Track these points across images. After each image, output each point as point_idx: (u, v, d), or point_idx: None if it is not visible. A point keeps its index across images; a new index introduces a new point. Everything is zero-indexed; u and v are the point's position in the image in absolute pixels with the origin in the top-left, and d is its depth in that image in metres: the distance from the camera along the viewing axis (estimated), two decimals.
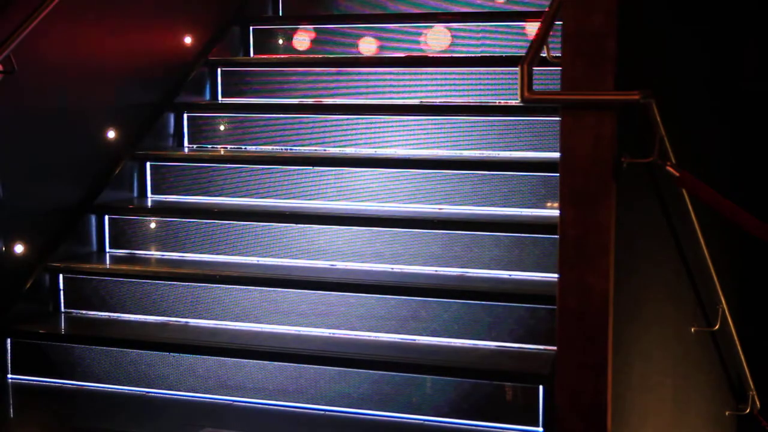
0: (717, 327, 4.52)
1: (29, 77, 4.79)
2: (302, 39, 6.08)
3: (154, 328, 4.77)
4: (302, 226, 4.92)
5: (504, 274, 4.64)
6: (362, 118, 5.42)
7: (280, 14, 6.49)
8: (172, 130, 5.70)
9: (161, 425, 4.32)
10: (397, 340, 4.50)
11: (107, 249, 5.25)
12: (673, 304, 4.36)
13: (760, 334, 5.15)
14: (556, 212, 3.56)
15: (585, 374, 3.57)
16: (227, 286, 4.74)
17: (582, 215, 3.52)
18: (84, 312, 4.99)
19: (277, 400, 4.38)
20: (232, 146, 5.65)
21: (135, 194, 5.46)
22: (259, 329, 4.67)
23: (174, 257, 5.12)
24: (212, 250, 5.05)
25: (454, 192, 4.97)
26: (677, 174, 3.67)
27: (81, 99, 5.21)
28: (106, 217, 5.25)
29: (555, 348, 3.70)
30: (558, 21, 3.63)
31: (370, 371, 4.29)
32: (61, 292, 5.01)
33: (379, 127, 5.40)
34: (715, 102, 5.04)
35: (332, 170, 5.16)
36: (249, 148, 5.61)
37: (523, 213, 4.84)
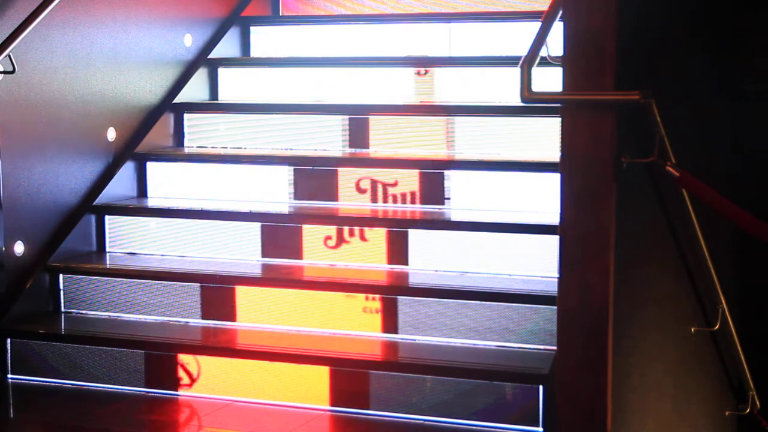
0: (717, 327, 4.52)
1: (29, 76, 4.80)
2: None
3: (155, 328, 4.77)
4: (303, 226, 4.91)
5: (504, 273, 4.63)
6: (374, 118, 5.42)
7: (280, 14, 6.48)
8: (171, 130, 5.70)
9: (162, 425, 4.32)
10: (397, 339, 4.50)
11: (107, 249, 5.25)
12: (673, 304, 4.36)
13: (760, 334, 5.14)
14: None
15: (585, 374, 3.57)
16: (228, 285, 4.74)
17: (582, 215, 3.52)
18: (84, 312, 4.99)
19: (277, 400, 4.38)
20: (232, 146, 5.65)
21: (135, 195, 5.46)
22: (260, 328, 4.67)
23: (174, 257, 5.12)
24: (212, 249, 5.05)
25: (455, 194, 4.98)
26: (677, 174, 3.67)
27: (82, 101, 5.22)
28: (106, 217, 5.25)
29: (555, 348, 3.70)
30: (558, 21, 3.63)
31: (370, 371, 4.29)
32: (61, 292, 5.01)
33: (380, 127, 5.39)
34: (715, 101, 5.04)
35: (333, 170, 5.15)
36: (249, 147, 5.61)
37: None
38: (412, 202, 5.03)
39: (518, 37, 5.44)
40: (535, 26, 3.65)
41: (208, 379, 4.48)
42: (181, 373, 4.52)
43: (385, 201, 5.07)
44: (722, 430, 5.02)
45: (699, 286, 4.44)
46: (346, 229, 4.86)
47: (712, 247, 4.32)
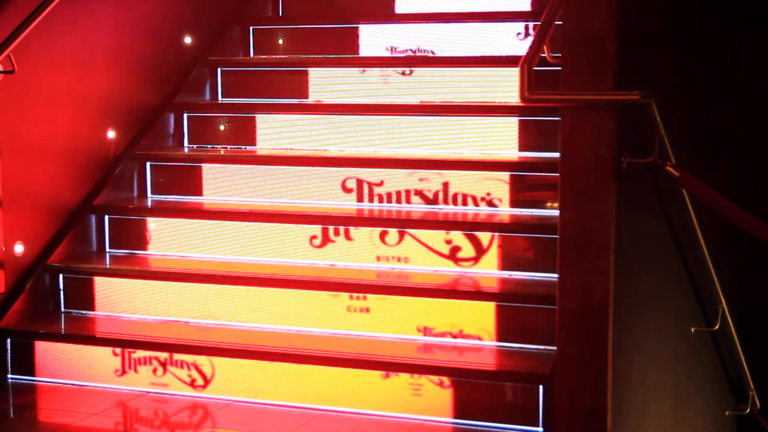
0: (717, 327, 4.52)
1: (29, 76, 4.81)
2: None
3: (155, 328, 4.77)
4: (304, 226, 4.92)
5: (504, 273, 4.64)
6: (362, 118, 5.42)
7: (280, 14, 6.49)
8: (171, 130, 5.70)
9: (162, 425, 4.32)
10: (398, 338, 4.50)
11: (107, 249, 5.25)
12: (673, 304, 4.36)
13: (760, 334, 5.14)
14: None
15: (585, 374, 3.57)
16: (227, 285, 4.75)
17: (582, 215, 3.53)
18: (84, 312, 4.99)
19: (276, 400, 4.38)
20: (232, 146, 5.65)
21: (135, 194, 5.46)
22: (260, 328, 4.67)
23: (174, 257, 5.12)
24: (212, 249, 5.05)
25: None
26: (677, 174, 3.67)
27: (82, 101, 5.22)
28: (106, 217, 5.25)
29: (555, 348, 3.70)
30: (558, 21, 3.63)
31: (371, 370, 4.29)
32: (61, 292, 5.01)
33: (380, 127, 5.40)
34: (715, 101, 5.04)
35: (333, 170, 5.16)
36: (248, 148, 5.61)
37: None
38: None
39: None
40: None
41: (215, 381, 4.49)
42: (181, 372, 4.53)
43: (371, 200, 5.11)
44: (722, 430, 5.02)
45: (699, 286, 4.44)
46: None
47: (712, 247, 4.32)
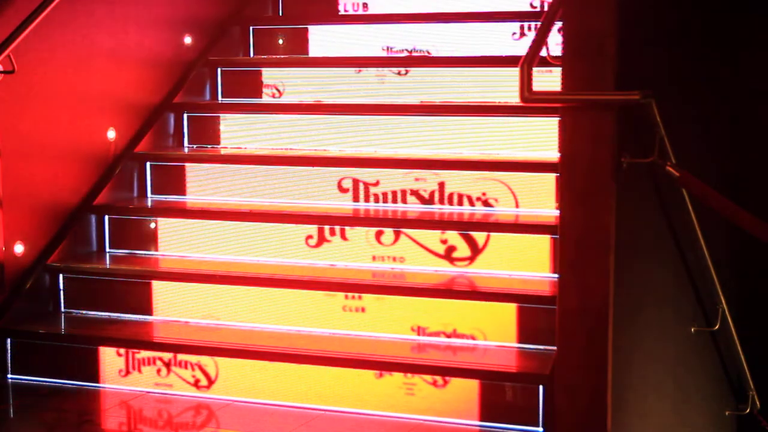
0: (717, 327, 4.52)
1: (29, 76, 4.81)
2: None
3: (156, 328, 4.77)
4: (301, 226, 4.92)
5: (504, 273, 4.63)
6: (360, 118, 5.42)
7: (280, 14, 6.49)
8: (171, 129, 5.70)
9: (166, 425, 4.32)
10: (394, 338, 4.50)
11: (107, 249, 5.25)
12: (673, 304, 4.36)
13: (760, 334, 5.14)
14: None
15: (585, 374, 3.57)
16: (227, 285, 4.75)
17: (582, 215, 3.53)
18: (84, 312, 4.99)
19: (277, 400, 4.38)
20: (232, 146, 5.65)
21: (135, 194, 5.46)
22: (260, 328, 4.68)
23: (173, 257, 5.12)
24: (212, 249, 5.05)
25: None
26: (677, 174, 3.67)
27: (82, 101, 5.22)
28: (106, 217, 5.25)
29: (555, 348, 3.71)
30: (558, 21, 3.64)
31: (369, 370, 4.29)
32: (61, 292, 5.01)
33: (379, 127, 5.40)
34: (716, 101, 5.04)
35: (330, 170, 5.16)
36: (249, 147, 5.61)
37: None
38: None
39: None
40: None
41: (219, 381, 4.49)
42: (181, 372, 4.53)
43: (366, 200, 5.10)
44: (722, 430, 5.02)
45: (699, 285, 4.44)
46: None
47: (712, 247, 4.32)
